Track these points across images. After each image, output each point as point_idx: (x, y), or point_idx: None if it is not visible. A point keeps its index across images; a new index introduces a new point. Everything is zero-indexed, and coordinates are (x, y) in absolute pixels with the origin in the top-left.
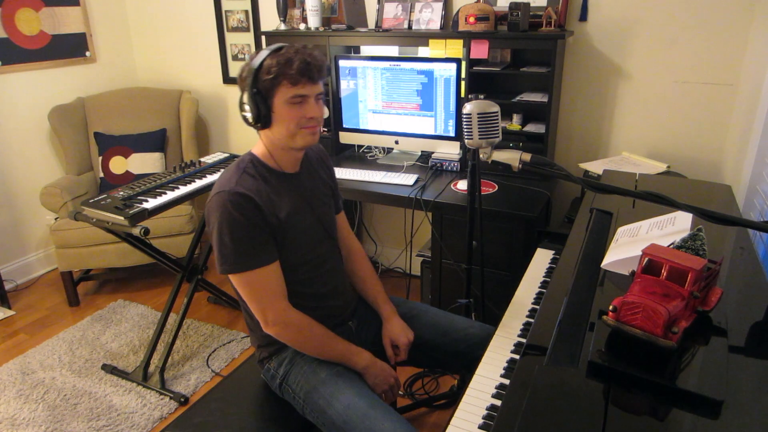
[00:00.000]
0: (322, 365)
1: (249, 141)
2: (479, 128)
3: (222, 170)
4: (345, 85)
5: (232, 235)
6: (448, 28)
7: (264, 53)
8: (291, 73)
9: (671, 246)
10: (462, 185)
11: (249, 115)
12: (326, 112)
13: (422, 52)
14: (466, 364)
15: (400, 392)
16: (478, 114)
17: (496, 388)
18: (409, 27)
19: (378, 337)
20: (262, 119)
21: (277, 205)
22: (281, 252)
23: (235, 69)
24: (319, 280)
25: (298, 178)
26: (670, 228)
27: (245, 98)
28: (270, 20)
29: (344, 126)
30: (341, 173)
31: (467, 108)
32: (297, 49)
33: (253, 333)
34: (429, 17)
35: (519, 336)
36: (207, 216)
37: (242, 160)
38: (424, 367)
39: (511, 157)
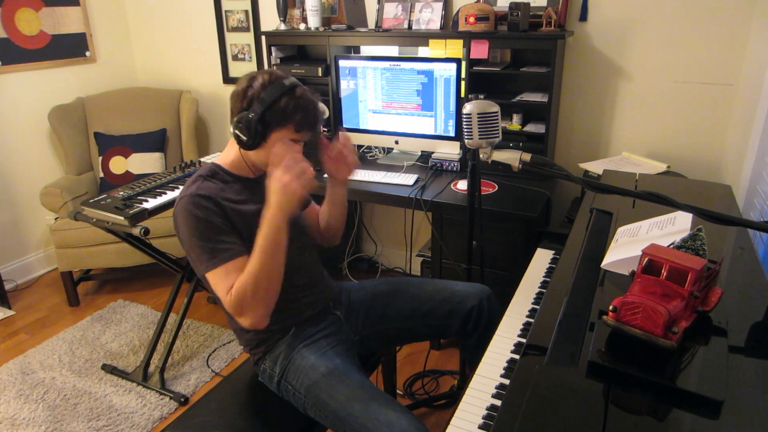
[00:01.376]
0: (321, 359)
1: None
2: (479, 128)
3: None
4: (345, 85)
5: (199, 234)
6: (448, 28)
7: (279, 88)
8: (302, 121)
9: (671, 246)
10: (462, 185)
11: (244, 138)
12: (326, 112)
13: (422, 52)
14: (462, 322)
15: (399, 392)
16: (478, 114)
17: (496, 388)
18: (409, 27)
19: (367, 320)
20: (254, 145)
21: (241, 204)
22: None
23: (235, 69)
24: (294, 275)
25: (259, 180)
26: (670, 228)
27: (244, 120)
28: (270, 20)
29: (344, 126)
30: None
31: (467, 108)
32: (311, 96)
33: (241, 336)
34: (429, 17)
35: (519, 336)
36: (175, 227)
37: (203, 170)
38: (425, 339)
39: (511, 157)
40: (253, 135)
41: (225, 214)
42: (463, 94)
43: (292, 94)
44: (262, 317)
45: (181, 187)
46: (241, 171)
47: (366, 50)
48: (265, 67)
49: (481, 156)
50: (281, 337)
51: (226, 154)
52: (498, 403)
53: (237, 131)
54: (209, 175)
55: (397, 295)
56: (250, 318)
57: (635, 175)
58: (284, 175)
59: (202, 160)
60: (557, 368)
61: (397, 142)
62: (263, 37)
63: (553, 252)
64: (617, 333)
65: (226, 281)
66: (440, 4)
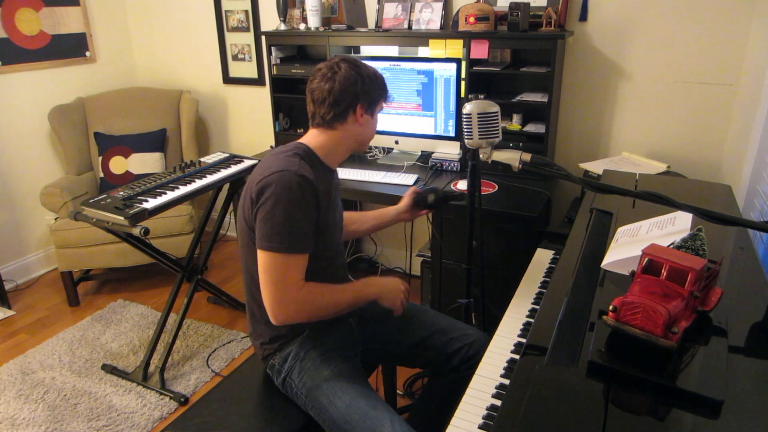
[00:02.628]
0: (326, 363)
1: (249, 141)
2: (479, 128)
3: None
4: None
5: (288, 215)
6: (448, 28)
7: (372, 68)
8: (385, 97)
9: (671, 246)
10: (462, 185)
11: (369, 114)
12: None
13: (422, 52)
14: (462, 366)
15: (399, 392)
16: (478, 114)
17: (496, 388)
18: (409, 27)
19: (377, 334)
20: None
21: (324, 196)
22: (315, 241)
23: (235, 69)
24: (333, 273)
25: (335, 174)
26: (670, 228)
27: (352, 106)
28: (270, 20)
29: None
30: (342, 173)
31: (467, 108)
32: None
33: (257, 328)
34: (429, 17)
35: (519, 336)
36: (260, 191)
37: (296, 147)
38: (420, 368)
39: (511, 157)
40: (371, 111)
41: (317, 204)
42: (463, 94)
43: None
44: (295, 321)
45: (209, 177)
46: (328, 159)
47: (366, 50)
48: (265, 67)
49: (481, 156)
50: (294, 337)
51: (313, 139)
52: (498, 403)
53: (339, 113)
54: (304, 156)
55: (411, 321)
56: (288, 317)
57: (635, 175)
58: (400, 293)
59: (202, 160)
60: (557, 368)
61: (397, 142)
62: (263, 37)
63: (553, 252)
64: (617, 333)
65: (295, 272)
66: (440, 4)
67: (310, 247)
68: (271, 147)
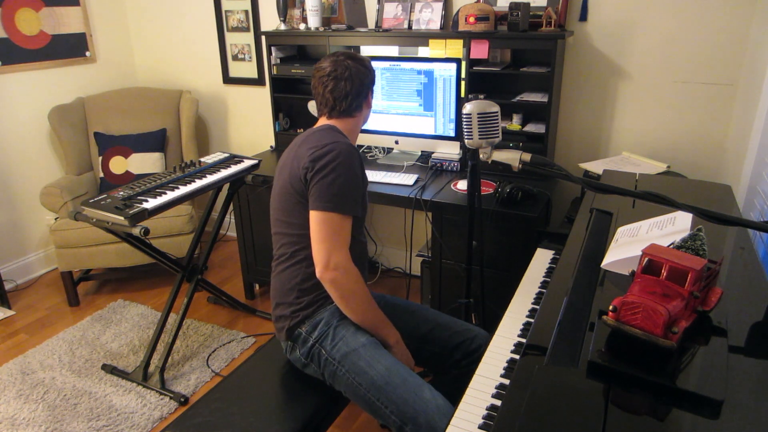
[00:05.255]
0: (361, 331)
1: (249, 141)
2: (479, 128)
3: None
4: None
5: (346, 179)
6: (448, 28)
7: (367, 59)
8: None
9: (671, 246)
10: (462, 185)
11: (371, 105)
12: None
13: (422, 52)
14: (464, 360)
15: None
16: (478, 114)
17: (496, 388)
18: (409, 27)
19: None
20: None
21: (364, 173)
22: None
23: (235, 69)
24: (361, 247)
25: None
26: (670, 228)
27: (365, 95)
28: (270, 20)
29: None
30: None
31: (467, 108)
32: None
33: (289, 295)
34: (429, 17)
35: (519, 336)
36: (316, 159)
37: (331, 127)
38: (422, 365)
39: (511, 157)
40: (373, 92)
41: (363, 172)
42: (463, 94)
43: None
44: (335, 281)
45: (204, 179)
46: (352, 138)
47: (366, 50)
48: (265, 67)
49: (481, 156)
50: (325, 304)
51: (340, 125)
52: (498, 403)
53: (357, 105)
54: (340, 133)
55: (414, 314)
56: (337, 269)
57: (635, 175)
58: (407, 359)
59: (202, 160)
60: (557, 368)
61: (397, 142)
62: (263, 37)
63: (553, 252)
64: (617, 333)
65: (346, 232)
66: (440, 4)
67: (358, 212)
68: (271, 147)
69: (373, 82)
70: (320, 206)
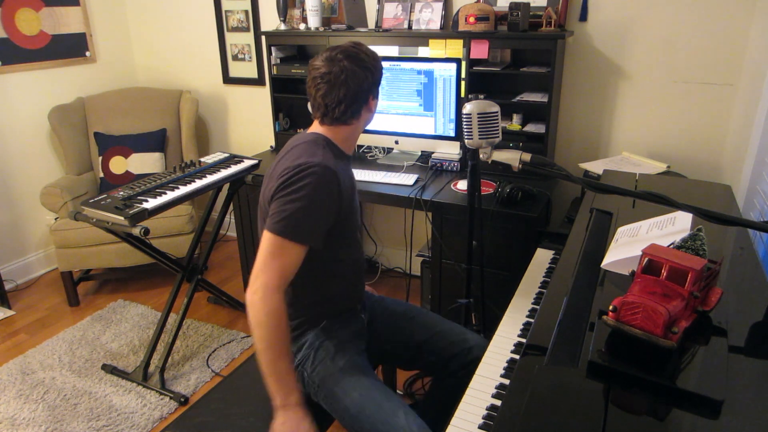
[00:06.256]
0: (340, 354)
1: (249, 141)
2: (479, 128)
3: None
4: None
5: (306, 205)
6: (448, 28)
7: (369, 50)
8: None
9: (671, 246)
10: (462, 185)
11: (375, 108)
12: None
13: (422, 52)
14: (460, 371)
15: (399, 391)
16: (478, 114)
17: (496, 388)
18: (409, 27)
19: (378, 334)
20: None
21: (347, 183)
22: (337, 229)
23: (235, 69)
24: (356, 266)
25: (350, 160)
26: (670, 228)
27: (364, 100)
28: (270, 20)
29: None
30: None
31: (467, 108)
32: None
33: None
34: (429, 17)
35: (519, 336)
36: (285, 179)
37: (317, 138)
38: (418, 369)
39: (511, 157)
40: (377, 94)
41: (340, 193)
42: (463, 94)
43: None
44: (250, 307)
45: (213, 175)
46: (345, 146)
47: None
48: (265, 67)
49: (481, 156)
50: (313, 326)
51: (332, 132)
52: (498, 403)
53: (355, 110)
54: (326, 146)
55: (413, 321)
56: (254, 296)
57: (635, 175)
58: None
59: (202, 160)
60: (557, 368)
61: (397, 142)
62: (263, 37)
63: (553, 252)
64: (617, 333)
65: (284, 259)
66: (440, 4)
67: (314, 242)
68: (271, 147)
69: (375, 84)
70: (269, 226)
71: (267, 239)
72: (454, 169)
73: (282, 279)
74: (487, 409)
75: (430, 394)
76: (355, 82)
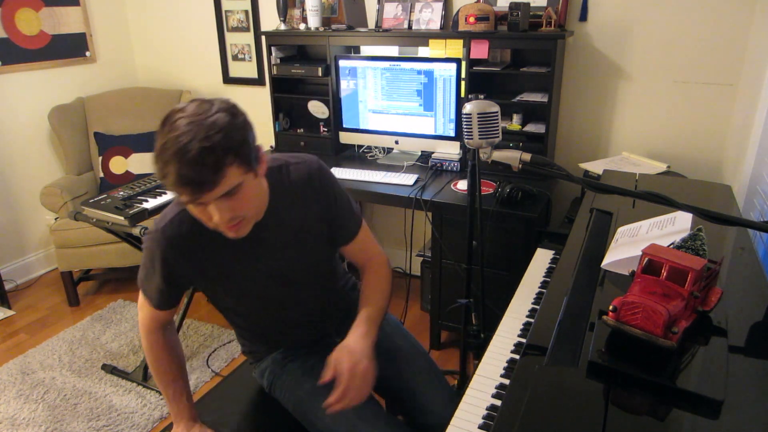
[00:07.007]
0: (305, 376)
1: None
2: (479, 128)
3: None
4: (345, 85)
5: (143, 265)
6: (448, 28)
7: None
8: (170, 186)
9: (671, 246)
10: (462, 185)
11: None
12: (326, 113)
13: (422, 52)
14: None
15: None
16: (478, 114)
17: (496, 388)
18: (409, 27)
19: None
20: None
21: (210, 259)
22: (212, 290)
23: (235, 69)
24: (282, 311)
25: (256, 228)
26: (670, 228)
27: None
28: (270, 20)
29: (344, 126)
30: (342, 173)
31: (467, 108)
32: (178, 147)
33: (238, 339)
34: (429, 17)
35: (519, 336)
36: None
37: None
38: (387, 402)
39: (511, 157)
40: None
41: (181, 269)
42: (463, 94)
43: (160, 147)
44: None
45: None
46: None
47: (366, 50)
48: (265, 67)
49: (481, 156)
50: (268, 353)
51: None
52: (498, 403)
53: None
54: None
55: (390, 364)
56: (140, 329)
57: (635, 175)
58: None
59: None
60: (557, 368)
61: (397, 142)
62: (263, 37)
63: (553, 252)
64: (617, 333)
65: (143, 310)
66: (440, 4)
67: (157, 304)
68: (271, 147)
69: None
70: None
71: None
72: (454, 169)
73: (152, 322)
74: (487, 409)
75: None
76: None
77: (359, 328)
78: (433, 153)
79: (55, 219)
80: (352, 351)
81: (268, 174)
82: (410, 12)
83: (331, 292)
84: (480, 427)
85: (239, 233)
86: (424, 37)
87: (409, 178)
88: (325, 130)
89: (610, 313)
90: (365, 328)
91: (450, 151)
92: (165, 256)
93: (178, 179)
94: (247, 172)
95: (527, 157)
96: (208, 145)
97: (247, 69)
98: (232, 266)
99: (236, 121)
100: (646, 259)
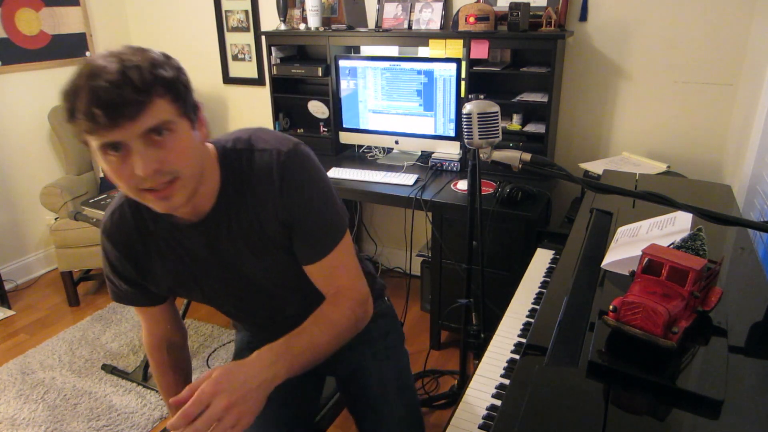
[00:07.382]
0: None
1: None
2: (479, 128)
3: None
4: (345, 85)
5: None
6: (448, 28)
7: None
8: (80, 118)
9: (671, 246)
10: (462, 185)
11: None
12: (326, 113)
13: (422, 52)
14: None
15: None
16: (478, 114)
17: (496, 388)
18: (409, 27)
19: (342, 367)
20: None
21: (150, 267)
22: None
23: (235, 69)
24: (247, 319)
25: (202, 226)
26: (670, 228)
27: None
28: (270, 20)
29: (344, 126)
30: (341, 173)
31: (467, 108)
32: (93, 68)
33: None
34: (429, 17)
35: (519, 336)
36: None
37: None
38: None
39: (511, 157)
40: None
41: (128, 264)
42: (463, 94)
43: (72, 80)
44: None
45: None
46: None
47: (366, 50)
48: (265, 67)
49: (481, 156)
50: (238, 329)
51: None
52: (498, 403)
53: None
54: (127, 207)
55: (367, 414)
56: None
57: (635, 175)
58: None
59: None
60: (557, 368)
61: (397, 142)
62: (263, 37)
63: (553, 252)
64: (617, 333)
65: (140, 316)
66: (440, 4)
67: (130, 300)
68: None
69: None
70: None
71: None
72: (454, 169)
73: (150, 337)
74: (487, 409)
75: None
76: None
77: (265, 355)
78: (433, 153)
79: (55, 219)
80: (229, 377)
81: (223, 155)
82: (410, 12)
83: (322, 297)
84: (480, 427)
85: (171, 201)
86: (424, 37)
87: (409, 178)
88: (325, 130)
89: (610, 313)
90: (273, 357)
91: (450, 151)
92: (107, 254)
93: (90, 101)
94: (180, 115)
95: (527, 157)
96: (131, 65)
97: (247, 69)
98: (183, 271)
99: (171, 61)
100: (646, 259)
